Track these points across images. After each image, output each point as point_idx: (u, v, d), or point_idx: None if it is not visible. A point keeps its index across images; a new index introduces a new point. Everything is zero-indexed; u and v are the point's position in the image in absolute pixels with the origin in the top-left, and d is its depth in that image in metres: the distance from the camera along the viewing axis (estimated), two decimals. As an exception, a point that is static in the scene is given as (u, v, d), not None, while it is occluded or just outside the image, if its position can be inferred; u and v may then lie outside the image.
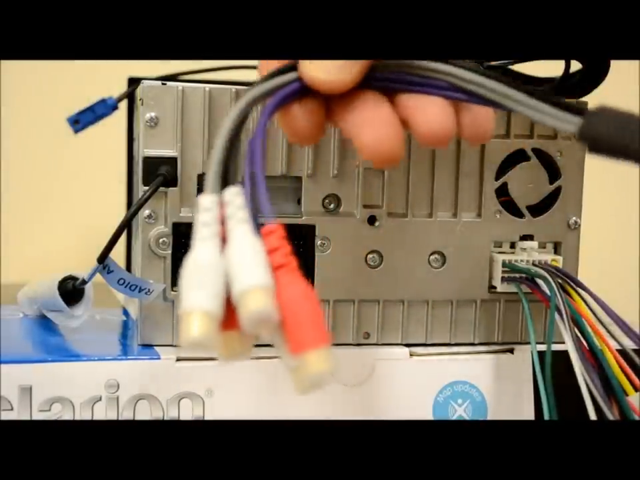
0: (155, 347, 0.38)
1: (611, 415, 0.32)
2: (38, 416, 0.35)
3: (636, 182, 0.73)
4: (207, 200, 0.27)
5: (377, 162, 0.29)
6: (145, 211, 0.37)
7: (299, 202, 0.39)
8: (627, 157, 0.26)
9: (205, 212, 0.27)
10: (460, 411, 0.39)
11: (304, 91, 0.29)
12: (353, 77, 0.28)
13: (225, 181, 0.27)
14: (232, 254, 0.26)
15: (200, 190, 0.37)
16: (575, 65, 0.40)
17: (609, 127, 0.26)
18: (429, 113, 0.29)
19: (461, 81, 0.29)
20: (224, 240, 0.26)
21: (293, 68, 0.29)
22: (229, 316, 0.25)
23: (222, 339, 0.25)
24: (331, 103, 0.29)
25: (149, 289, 0.37)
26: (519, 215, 0.40)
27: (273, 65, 0.29)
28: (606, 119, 0.26)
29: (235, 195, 0.27)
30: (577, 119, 0.27)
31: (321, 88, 0.29)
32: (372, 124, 0.29)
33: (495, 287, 0.40)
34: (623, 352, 0.35)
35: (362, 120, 0.29)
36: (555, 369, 0.34)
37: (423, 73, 0.29)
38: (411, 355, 0.39)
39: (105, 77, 0.54)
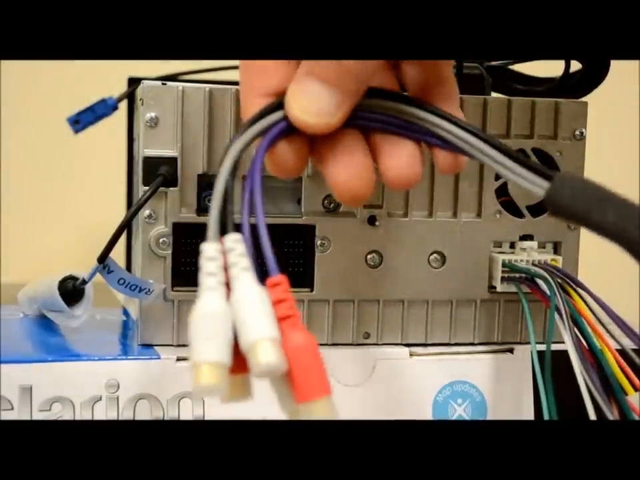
0: (155, 347, 0.38)
1: (611, 414, 0.32)
2: (38, 416, 0.35)
3: (636, 182, 0.73)
4: (210, 249, 0.27)
5: (346, 200, 0.31)
6: (145, 211, 0.37)
7: (299, 202, 0.39)
8: (587, 225, 0.28)
9: (209, 261, 0.27)
10: (460, 411, 0.39)
11: (290, 130, 0.30)
12: (336, 121, 0.29)
13: (224, 227, 0.27)
14: (238, 304, 0.26)
15: (200, 190, 0.38)
16: (575, 65, 0.40)
17: (573, 196, 0.27)
18: (401, 158, 0.30)
19: (447, 133, 0.30)
20: (228, 286, 0.27)
21: (279, 106, 0.30)
22: (237, 361, 0.26)
23: (229, 382, 0.26)
24: (314, 140, 0.30)
25: (148, 289, 0.37)
26: (519, 215, 0.40)
27: (254, 104, 0.30)
28: (570, 188, 0.28)
29: (235, 242, 0.27)
30: (545, 183, 0.28)
31: (306, 130, 0.30)
32: (346, 165, 0.30)
33: (494, 287, 0.40)
34: (622, 352, 0.35)
35: (337, 161, 0.30)
36: (555, 369, 0.34)
37: (408, 119, 0.30)
38: (410, 354, 0.39)
39: (105, 77, 0.54)
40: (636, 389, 0.34)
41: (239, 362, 0.26)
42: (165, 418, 0.36)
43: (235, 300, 0.26)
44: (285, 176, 0.31)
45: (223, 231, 0.27)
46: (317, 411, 0.27)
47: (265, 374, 0.26)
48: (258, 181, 0.29)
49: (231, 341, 0.26)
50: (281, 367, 0.26)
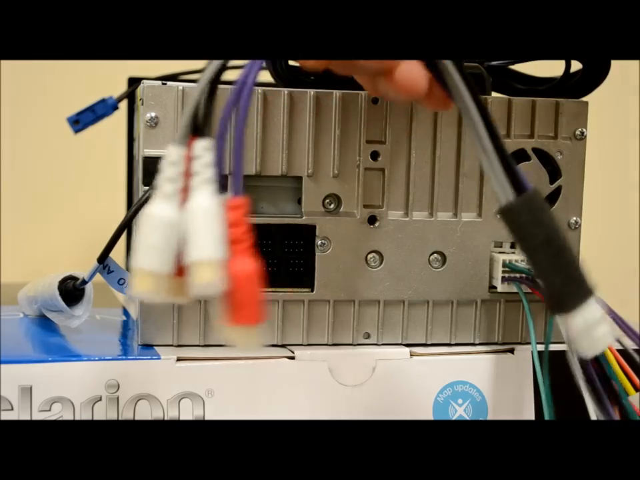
0: (155, 347, 0.38)
1: (611, 414, 0.32)
2: (38, 416, 0.35)
3: (636, 182, 0.73)
4: (174, 153, 0.27)
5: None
6: (145, 211, 0.37)
7: (299, 202, 0.39)
8: (520, 249, 0.28)
9: (170, 166, 0.27)
10: (460, 411, 0.39)
11: None
12: None
13: (196, 129, 0.27)
14: (191, 217, 0.27)
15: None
16: (576, 65, 0.40)
17: (525, 223, 0.28)
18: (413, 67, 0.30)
19: (455, 90, 0.29)
20: (185, 191, 0.27)
21: None
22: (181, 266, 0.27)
23: (173, 283, 0.27)
24: None
25: (149, 289, 0.37)
26: (519, 214, 0.40)
27: None
28: (528, 214, 0.28)
29: (204, 150, 0.27)
30: (512, 195, 0.28)
31: None
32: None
33: (495, 287, 0.40)
34: (623, 352, 0.35)
35: None
36: (555, 369, 0.34)
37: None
38: (411, 355, 0.39)
39: (105, 77, 0.54)
40: (636, 389, 0.34)
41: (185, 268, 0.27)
42: (165, 418, 0.36)
43: (189, 211, 0.27)
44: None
45: (195, 134, 0.27)
46: (242, 337, 0.27)
47: (203, 292, 0.27)
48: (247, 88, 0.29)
49: (174, 250, 0.27)
50: (217, 290, 0.27)
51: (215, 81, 0.28)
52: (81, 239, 0.66)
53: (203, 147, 0.27)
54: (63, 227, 0.68)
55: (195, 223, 0.27)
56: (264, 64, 0.29)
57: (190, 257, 0.27)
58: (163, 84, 0.37)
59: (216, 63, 0.28)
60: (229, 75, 0.43)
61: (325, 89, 0.38)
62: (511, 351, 0.40)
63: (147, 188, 0.37)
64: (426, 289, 0.40)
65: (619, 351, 0.35)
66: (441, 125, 0.39)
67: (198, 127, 0.27)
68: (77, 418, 0.35)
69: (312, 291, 0.39)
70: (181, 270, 0.27)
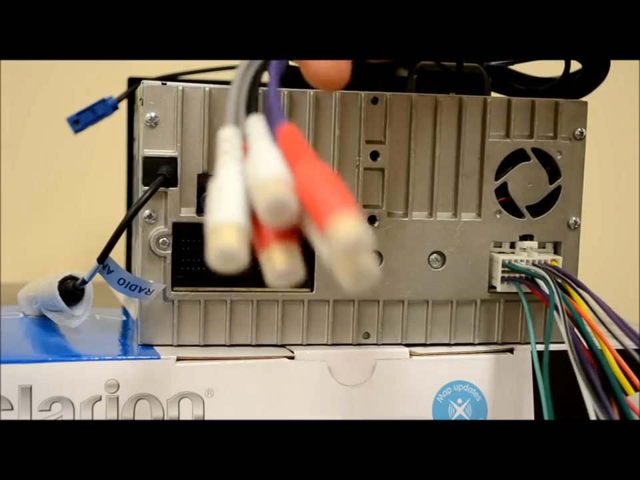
0: (155, 347, 0.38)
1: (611, 414, 0.32)
2: (38, 416, 0.35)
3: (636, 182, 0.73)
4: (225, 132, 0.28)
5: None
6: (145, 211, 0.37)
7: (298, 202, 0.39)
8: None
9: (224, 142, 0.27)
10: (460, 411, 0.39)
11: None
12: None
13: (248, 109, 0.28)
14: (251, 161, 0.26)
15: (200, 190, 0.37)
16: (575, 65, 0.40)
17: None
18: None
19: None
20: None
21: None
22: (261, 234, 0.25)
23: (263, 260, 0.25)
24: None
25: (148, 289, 0.37)
26: (519, 215, 0.40)
27: None
28: None
29: (255, 122, 0.27)
30: None
31: None
32: None
33: (494, 287, 0.40)
34: (622, 352, 0.35)
35: None
36: (555, 369, 0.34)
37: None
38: (410, 354, 0.39)
39: (105, 77, 0.54)
40: (636, 389, 0.34)
41: (265, 235, 0.25)
42: (165, 418, 0.36)
43: (249, 162, 0.26)
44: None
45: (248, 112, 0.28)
46: (340, 231, 0.24)
47: (275, 214, 0.24)
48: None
49: (247, 208, 0.25)
50: (290, 202, 0.24)
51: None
52: (80, 239, 0.66)
53: (254, 120, 0.28)
54: (63, 227, 0.68)
55: (255, 163, 0.26)
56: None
57: (254, 185, 0.25)
58: (163, 84, 0.37)
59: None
60: (228, 75, 0.43)
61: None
62: (511, 350, 0.40)
63: (146, 188, 0.37)
64: (425, 288, 0.40)
65: (618, 351, 0.35)
66: (440, 124, 0.39)
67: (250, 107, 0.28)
68: (77, 418, 0.35)
69: (311, 290, 0.39)
70: (265, 238, 0.25)
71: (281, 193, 0.24)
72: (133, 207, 0.37)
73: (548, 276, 0.37)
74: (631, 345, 0.34)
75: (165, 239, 0.37)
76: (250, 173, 0.26)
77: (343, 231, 0.23)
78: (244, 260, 0.24)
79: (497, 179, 0.40)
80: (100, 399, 0.36)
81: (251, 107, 0.28)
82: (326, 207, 0.24)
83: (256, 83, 0.29)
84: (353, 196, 0.25)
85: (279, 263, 0.25)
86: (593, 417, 0.32)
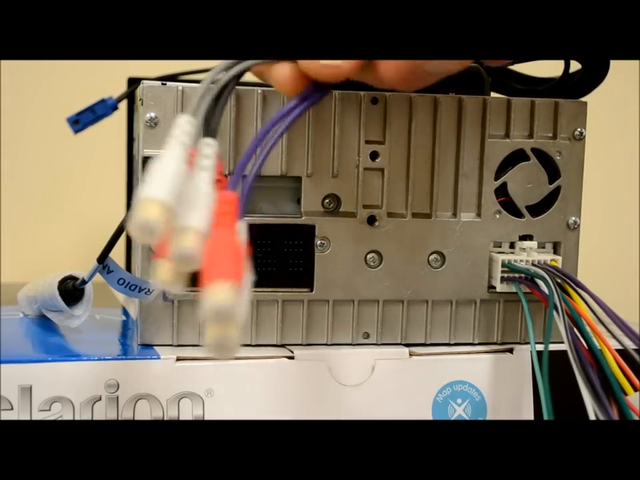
0: (155, 347, 0.38)
1: (610, 414, 0.32)
2: (38, 416, 0.35)
3: (636, 182, 0.73)
4: (181, 119, 0.29)
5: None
6: (145, 211, 0.37)
7: (298, 202, 0.39)
8: None
9: (176, 127, 0.28)
10: (459, 411, 0.39)
11: None
12: None
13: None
14: (193, 186, 0.27)
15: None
16: (575, 65, 0.40)
17: None
18: None
19: None
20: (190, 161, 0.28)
21: None
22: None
23: (156, 266, 0.26)
24: None
25: (148, 289, 0.37)
26: (519, 215, 0.40)
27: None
28: None
29: (208, 146, 0.28)
30: None
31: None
32: None
33: (494, 287, 0.40)
34: (622, 352, 0.35)
35: None
36: (555, 369, 0.34)
37: None
38: (410, 354, 0.39)
39: (105, 77, 0.54)
40: (635, 389, 0.34)
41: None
42: (165, 418, 0.36)
43: (193, 181, 0.27)
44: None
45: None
46: (214, 294, 0.25)
47: (180, 261, 0.26)
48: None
49: (177, 186, 0.26)
50: (196, 258, 0.26)
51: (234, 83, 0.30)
52: (80, 239, 0.66)
53: (208, 144, 0.29)
54: (63, 226, 0.68)
55: (188, 199, 0.27)
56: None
57: (177, 223, 0.26)
58: (163, 84, 0.37)
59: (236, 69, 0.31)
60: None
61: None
62: (510, 350, 0.40)
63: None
64: (425, 288, 0.40)
65: (618, 351, 0.35)
66: (440, 125, 0.39)
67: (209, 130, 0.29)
68: (77, 418, 0.35)
69: (311, 290, 0.39)
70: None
71: (190, 247, 0.26)
72: (133, 207, 0.37)
73: (547, 276, 0.37)
74: (630, 345, 0.34)
75: (164, 239, 0.37)
76: (186, 198, 0.27)
77: (214, 297, 0.25)
78: (161, 234, 0.25)
79: (496, 179, 0.40)
80: (100, 399, 0.36)
81: (216, 110, 0.30)
82: (212, 270, 0.26)
83: (227, 88, 0.31)
84: (243, 270, 0.26)
85: (160, 275, 0.26)
86: (592, 416, 0.32)
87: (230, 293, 0.25)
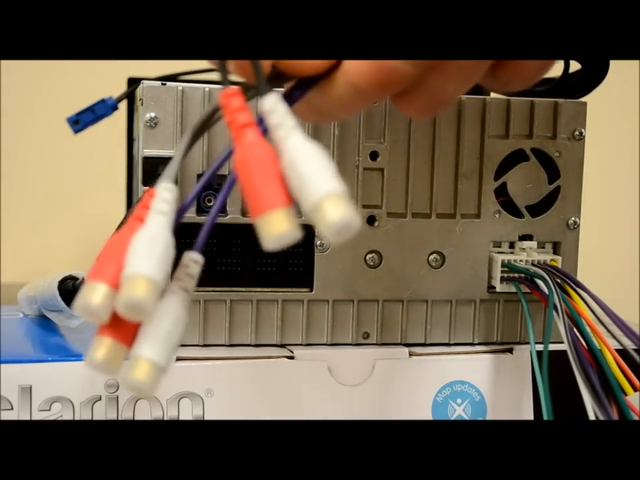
0: (154, 347, 0.38)
1: (610, 414, 0.32)
2: (38, 416, 0.35)
3: (636, 182, 0.73)
4: (160, 186, 0.26)
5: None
6: (145, 211, 0.37)
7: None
8: None
9: (155, 198, 0.26)
10: (459, 411, 0.39)
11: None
12: None
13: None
14: (298, 163, 0.24)
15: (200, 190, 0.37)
16: (575, 65, 0.40)
17: None
18: None
19: None
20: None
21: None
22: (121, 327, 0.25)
23: (96, 342, 0.26)
24: None
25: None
26: (518, 215, 0.40)
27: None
28: None
29: (275, 103, 0.25)
30: None
31: None
32: None
33: (494, 287, 0.40)
34: (622, 352, 0.35)
35: None
36: (555, 369, 0.34)
37: None
38: (410, 354, 0.39)
39: (105, 77, 0.54)
40: (635, 389, 0.34)
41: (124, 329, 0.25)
42: (165, 418, 0.36)
43: (293, 160, 0.25)
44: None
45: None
46: (271, 224, 0.24)
47: (337, 233, 0.24)
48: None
49: (168, 267, 0.25)
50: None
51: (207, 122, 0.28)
52: (81, 239, 0.67)
53: (272, 100, 0.26)
54: (63, 226, 0.68)
55: (305, 169, 0.24)
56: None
57: (314, 197, 0.24)
58: (163, 84, 0.37)
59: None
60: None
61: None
62: (510, 350, 0.40)
63: (146, 188, 0.37)
64: (425, 288, 0.40)
65: (617, 350, 0.35)
66: (439, 125, 0.39)
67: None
68: (77, 418, 0.35)
69: (311, 290, 0.39)
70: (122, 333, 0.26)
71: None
72: (133, 207, 0.37)
73: (547, 276, 0.37)
74: (630, 345, 0.34)
75: (164, 238, 0.37)
76: (301, 176, 0.25)
77: (272, 229, 0.24)
78: (150, 311, 0.25)
79: (496, 179, 0.40)
80: (99, 399, 0.36)
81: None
82: (262, 200, 0.24)
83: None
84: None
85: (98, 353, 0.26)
86: (592, 416, 0.32)
87: (285, 220, 0.24)
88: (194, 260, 0.27)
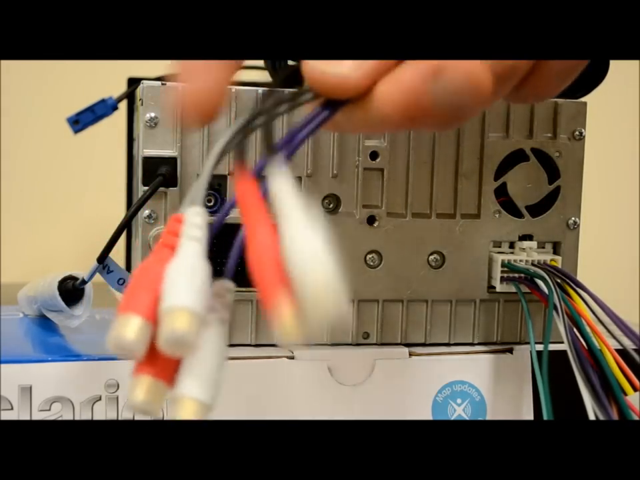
0: (154, 347, 0.38)
1: (610, 414, 0.33)
2: (38, 416, 0.35)
3: (636, 182, 0.73)
4: (190, 211, 0.26)
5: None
6: (145, 211, 0.37)
7: (298, 202, 0.39)
8: None
9: (185, 224, 0.26)
10: (459, 411, 0.39)
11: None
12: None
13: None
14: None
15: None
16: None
17: None
18: None
19: None
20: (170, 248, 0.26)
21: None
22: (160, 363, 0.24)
23: (135, 383, 0.24)
24: None
25: (148, 289, 0.37)
26: (518, 215, 0.40)
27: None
28: None
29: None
30: None
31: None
32: None
33: (494, 287, 0.40)
34: (622, 352, 0.35)
35: None
36: (555, 369, 0.34)
37: None
38: (410, 354, 0.39)
39: (105, 77, 0.54)
40: (635, 389, 0.34)
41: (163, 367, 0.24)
42: (165, 418, 0.36)
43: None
44: None
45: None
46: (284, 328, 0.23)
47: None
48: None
49: (207, 298, 0.24)
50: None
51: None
52: (80, 239, 0.66)
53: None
54: (63, 227, 0.68)
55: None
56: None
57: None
58: (163, 84, 0.37)
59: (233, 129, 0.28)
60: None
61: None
62: (510, 350, 0.40)
63: (146, 188, 0.37)
64: (425, 288, 0.40)
65: (617, 350, 0.35)
66: (440, 125, 0.39)
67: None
68: (77, 418, 0.35)
69: (311, 290, 0.39)
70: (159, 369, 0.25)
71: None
72: (133, 207, 0.37)
73: (547, 276, 0.37)
74: (630, 345, 0.34)
75: (164, 238, 0.37)
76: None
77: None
78: (193, 346, 0.24)
79: (496, 179, 0.40)
80: (100, 399, 0.36)
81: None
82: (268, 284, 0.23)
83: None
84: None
85: (139, 394, 0.25)
86: (592, 416, 0.32)
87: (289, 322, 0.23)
88: (228, 289, 0.26)
